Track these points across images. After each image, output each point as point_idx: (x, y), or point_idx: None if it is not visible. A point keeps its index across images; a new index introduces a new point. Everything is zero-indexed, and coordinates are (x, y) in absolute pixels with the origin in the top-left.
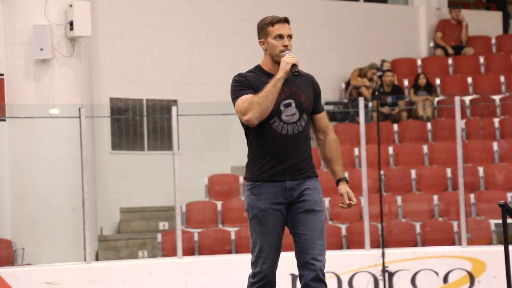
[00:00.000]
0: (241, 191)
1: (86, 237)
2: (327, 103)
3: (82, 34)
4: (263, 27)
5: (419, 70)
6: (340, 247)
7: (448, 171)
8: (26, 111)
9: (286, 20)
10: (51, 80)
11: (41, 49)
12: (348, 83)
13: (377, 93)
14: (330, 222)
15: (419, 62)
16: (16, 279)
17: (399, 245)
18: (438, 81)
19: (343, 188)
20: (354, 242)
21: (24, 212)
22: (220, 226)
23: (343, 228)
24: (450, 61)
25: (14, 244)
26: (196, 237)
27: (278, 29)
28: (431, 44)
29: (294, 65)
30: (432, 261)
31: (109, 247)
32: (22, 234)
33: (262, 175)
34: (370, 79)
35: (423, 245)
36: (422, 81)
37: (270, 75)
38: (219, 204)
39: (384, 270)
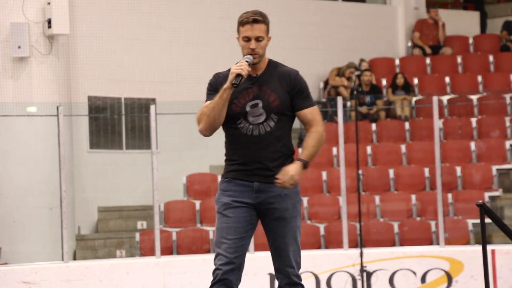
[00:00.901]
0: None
1: (64, 236)
2: None
3: (60, 32)
4: (237, 25)
5: (397, 70)
6: (318, 247)
7: (426, 170)
8: (3, 109)
9: (256, 21)
10: (29, 78)
11: (19, 47)
12: (326, 83)
13: (355, 92)
14: (308, 222)
15: (397, 62)
16: None
17: (377, 245)
18: (416, 81)
19: (290, 166)
20: (332, 241)
21: (1, 210)
22: (199, 225)
23: (321, 227)
24: (428, 60)
25: None
26: (174, 237)
27: (246, 30)
28: (409, 44)
29: (238, 75)
30: (410, 260)
31: (87, 247)
32: None
33: (233, 173)
34: (348, 78)
35: (401, 244)
36: (400, 80)
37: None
38: (197, 203)
39: (362, 270)
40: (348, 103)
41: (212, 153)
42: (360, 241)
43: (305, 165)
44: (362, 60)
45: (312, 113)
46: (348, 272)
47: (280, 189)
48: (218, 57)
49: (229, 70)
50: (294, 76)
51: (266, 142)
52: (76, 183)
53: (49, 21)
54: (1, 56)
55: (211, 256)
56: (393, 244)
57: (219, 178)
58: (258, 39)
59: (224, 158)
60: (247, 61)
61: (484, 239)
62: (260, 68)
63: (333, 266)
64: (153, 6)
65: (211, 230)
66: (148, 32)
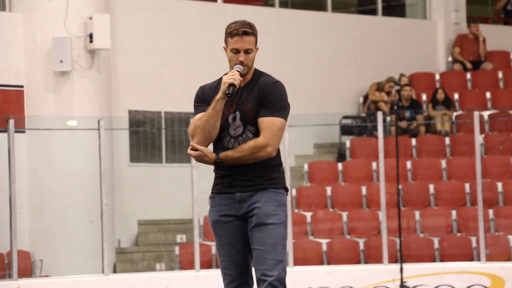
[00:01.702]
0: None
1: (104, 249)
2: (345, 117)
3: (101, 47)
4: (225, 35)
5: (438, 85)
6: (357, 262)
7: (467, 186)
8: (45, 123)
9: (245, 33)
10: (70, 92)
11: (61, 61)
12: (366, 97)
13: (395, 107)
14: (347, 236)
15: (437, 77)
16: None
17: (417, 260)
18: (456, 96)
19: (209, 150)
20: (371, 256)
21: (42, 223)
22: None
23: (361, 242)
24: (468, 76)
25: (33, 255)
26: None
27: (235, 42)
28: (449, 59)
29: (231, 85)
30: (450, 276)
31: (127, 260)
32: (40, 246)
33: (217, 187)
34: (388, 93)
35: (441, 260)
36: (440, 95)
37: None
38: None
39: (402, 285)
40: (388, 118)
41: None
42: (400, 256)
43: (218, 162)
44: (402, 75)
45: (266, 122)
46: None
47: (261, 195)
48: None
49: (215, 81)
50: (267, 86)
51: None
52: (116, 197)
53: (90, 36)
54: (44, 70)
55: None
56: (433, 259)
57: None
58: (247, 52)
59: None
60: (238, 71)
61: None
62: (245, 79)
63: (373, 281)
64: (194, 21)
65: None
66: (189, 47)
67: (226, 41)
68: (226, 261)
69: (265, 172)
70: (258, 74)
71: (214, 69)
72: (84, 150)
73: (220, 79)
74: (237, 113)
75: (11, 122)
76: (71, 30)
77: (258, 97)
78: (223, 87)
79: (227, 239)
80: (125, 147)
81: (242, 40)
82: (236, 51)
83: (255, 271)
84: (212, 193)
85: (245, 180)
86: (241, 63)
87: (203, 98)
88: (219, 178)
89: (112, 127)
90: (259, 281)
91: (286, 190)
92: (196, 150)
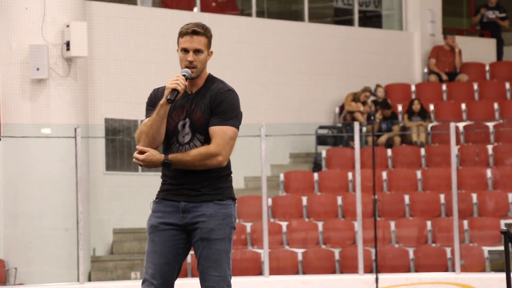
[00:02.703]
0: None
1: (80, 257)
2: (321, 127)
3: (78, 55)
4: (178, 36)
5: (413, 96)
6: (333, 272)
7: (441, 197)
8: (21, 131)
9: (195, 32)
10: (46, 100)
11: (37, 69)
12: (342, 108)
13: (372, 118)
14: (323, 246)
15: (413, 88)
16: None
17: (392, 271)
18: (432, 107)
19: (156, 151)
20: (347, 266)
21: (17, 231)
22: None
23: (336, 252)
24: (444, 87)
25: (7, 263)
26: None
27: (184, 41)
28: (425, 70)
29: (173, 91)
30: (425, 287)
31: (102, 268)
32: (15, 254)
33: (162, 193)
34: (364, 102)
35: (416, 270)
36: (416, 106)
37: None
38: None
39: None
40: (364, 129)
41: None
42: (375, 266)
43: (165, 163)
44: (378, 86)
45: (217, 132)
46: None
47: (206, 208)
48: (233, 80)
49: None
50: (219, 94)
51: None
52: (92, 205)
53: (67, 44)
54: (20, 77)
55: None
56: (408, 270)
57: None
58: (196, 52)
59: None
60: (184, 75)
61: (508, 266)
62: (197, 84)
63: None
64: (170, 29)
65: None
66: (165, 55)
67: (178, 43)
68: (154, 269)
69: (212, 182)
70: (211, 80)
71: None
72: (60, 158)
73: None
74: (187, 120)
75: None
76: (48, 38)
77: (209, 105)
78: (166, 92)
79: (160, 247)
80: (101, 155)
81: (191, 39)
82: (185, 51)
83: (201, 285)
84: (156, 198)
85: (191, 189)
86: (190, 63)
87: (155, 102)
88: (166, 185)
89: (89, 135)
90: None
91: (234, 199)
92: (143, 152)
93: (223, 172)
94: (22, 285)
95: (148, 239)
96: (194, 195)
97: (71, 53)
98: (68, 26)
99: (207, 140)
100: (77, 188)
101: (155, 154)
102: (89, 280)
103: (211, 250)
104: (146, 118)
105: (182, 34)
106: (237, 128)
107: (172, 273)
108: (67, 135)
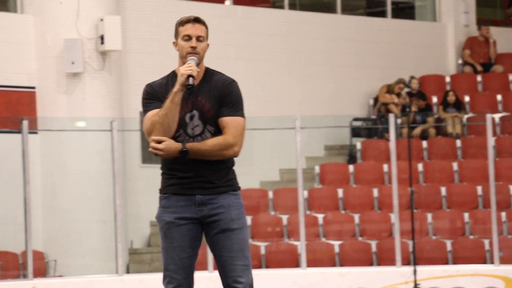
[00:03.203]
0: (270, 206)
1: (118, 250)
2: (356, 119)
3: (112, 48)
4: (176, 27)
5: (448, 87)
6: (370, 264)
7: (478, 188)
8: (57, 124)
9: (197, 20)
10: (82, 94)
11: (72, 63)
12: (376, 99)
13: (407, 109)
14: (359, 238)
15: (447, 79)
16: None
17: (429, 263)
18: (467, 98)
19: (173, 141)
20: (383, 258)
21: (56, 224)
22: (250, 241)
23: (373, 244)
24: (479, 78)
25: (46, 256)
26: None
27: (186, 29)
28: (460, 61)
29: (189, 76)
30: (463, 279)
31: (139, 260)
32: (54, 246)
33: (172, 187)
34: (398, 94)
35: (454, 263)
36: (451, 98)
37: None
38: (248, 218)
39: None
40: (399, 120)
41: (262, 169)
42: (413, 259)
43: (183, 152)
44: (412, 77)
45: (231, 122)
46: None
47: (223, 200)
48: (267, 73)
49: (164, 78)
50: (226, 84)
51: None
52: (129, 198)
53: (102, 38)
54: (55, 72)
55: (263, 271)
56: (446, 262)
57: (270, 194)
58: (199, 39)
59: (274, 174)
60: (193, 61)
61: None
62: (197, 76)
63: (386, 283)
64: None
65: (262, 246)
66: None
67: (176, 34)
68: (176, 264)
69: (224, 173)
70: (210, 72)
71: (223, 71)
72: (96, 151)
73: (168, 76)
74: (195, 111)
75: (25, 123)
76: (82, 32)
77: (218, 96)
78: (181, 78)
79: (179, 241)
80: (137, 148)
81: (194, 26)
82: (188, 38)
83: (224, 277)
84: (166, 192)
85: (206, 181)
86: (193, 49)
87: (154, 95)
88: (175, 178)
89: (124, 128)
90: (228, 287)
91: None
92: (160, 142)
93: (230, 163)
94: (62, 277)
95: (164, 236)
96: (210, 187)
97: (105, 47)
98: (102, 20)
99: (217, 131)
100: (114, 181)
101: (173, 143)
102: (128, 272)
103: (234, 240)
104: (149, 111)
105: (183, 22)
106: (245, 119)
107: (193, 266)
108: (103, 128)
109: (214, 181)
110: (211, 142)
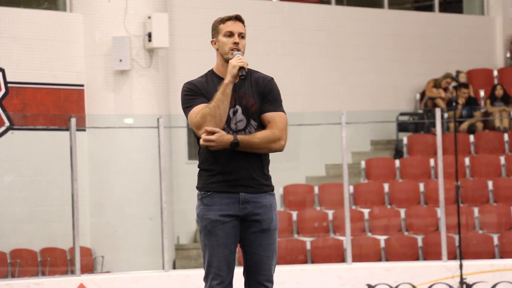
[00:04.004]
0: (316, 201)
1: (165, 245)
2: (402, 114)
3: (160, 46)
4: (215, 26)
5: (496, 81)
6: (416, 258)
7: None
8: (105, 122)
9: (238, 18)
10: (129, 91)
11: (120, 60)
12: (423, 94)
13: (454, 104)
14: (405, 233)
15: (495, 73)
16: (97, 286)
17: (476, 257)
18: None
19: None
20: (430, 253)
21: (103, 220)
22: (296, 235)
23: (419, 239)
24: None
25: (94, 252)
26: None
27: (228, 26)
28: (508, 55)
29: (241, 68)
30: (510, 273)
31: (186, 256)
32: (102, 242)
33: (214, 185)
34: (445, 89)
35: (501, 257)
36: (499, 92)
37: (222, 79)
38: (294, 214)
39: (462, 282)
40: (446, 115)
41: (308, 164)
42: (459, 253)
43: (234, 143)
44: (459, 72)
45: (276, 117)
46: (447, 284)
47: (265, 200)
48: (314, 69)
49: (202, 77)
50: (267, 81)
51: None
52: (175, 194)
53: (149, 35)
54: (103, 69)
55: (309, 266)
56: (493, 256)
57: (316, 189)
58: (241, 36)
59: (320, 170)
60: (241, 54)
61: None
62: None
63: (432, 277)
64: (250, 19)
65: (308, 241)
66: (246, 45)
67: (216, 31)
68: (220, 261)
69: (265, 170)
70: (248, 69)
71: (270, 67)
72: (143, 148)
73: (207, 74)
74: (238, 107)
75: (73, 120)
76: (130, 30)
77: (261, 92)
78: (233, 70)
79: (224, 239)
80: (183, 145)
81: (235, 24)
82: (230, 34)
83: (254, 274)
84: (208, 190)
85: (250, 179)
86: (236, 45)
87: (198, 91)
88: (217, 175)
89: (171, 125)
90: (257, 285)
91: None
92: (213, 133)
93: (268, 160)
94: (109, 272)
95: (208, 233)
96: (254, 185)
97: (153, 44)
98: (149, 17)
99: (259, 126)
100: (160, 177)
101: (225, 134)
102: (174, 268)
103: (271, 240)
104: (193, 106)
105: (223, 20)
106: None
107: (234, 262)
108: (150, 125)
109: (258, 179)
110: (261, 135)
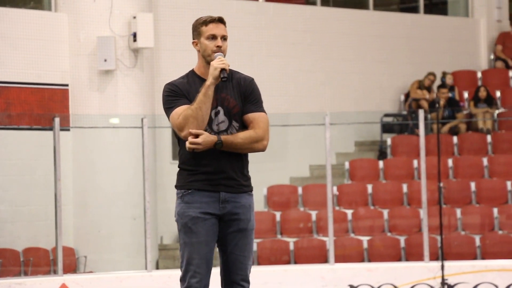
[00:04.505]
0: (299, 202)
1: (148, 245)
2: (386, 115)
3: (145, 46)
4: (197, 27)
5: (479, 83)
6: (398, 259)
7: (508, 183)
8: (89, 121)
9: (220, 20)
10: (114, 91)
11: (105, 60)
12: (407, 95)
13: (436, 105)
14: (388, 234)
15: (479, 75)
16: (79, 286)
17: (458, 258)
18: (498, 94)
19: (209, 134)
20: (412, 254)
21: (87, 220)
22: (279, 236)
23: (402, 240)
24: (511, 73)
25: (77, 252)
26: (254, 247)
27: (211, 29)
28: (492, 57)
29: (223, 70)
30: (492, 274)
31: (169, 256)
32: (85, 242)
33: (195, 183)
34: (428, 88)
35: (483, 258)
36: (482, 93)
37: (203, 80)
38: (278, 214)
39: (443, 283)
40: (429, 116)
41: (292, 164)
42: (441, 254)
43: (218, 143)
44: (445, 73)
45: (258, 118)
46: (429, 285)
47: (244, 200)
48: (299, 69)
49: (183, 77)
50: (248, 82)
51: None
52: (159, 194)
53: (134, 35)
54: (88, 69)
55: (291, 267)
56: (474, 257)
57: (300, 190)
58: (223, 38)
59: (304, 171)
60: (222, 56)
61: None
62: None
63: (414, 278)
64: (235, 20)
65: (291, 241)
66: (230, 45)
67: (198, 33)
68: (201, 259)
69: (245, 171)
70: (230, 70)
71: (255, 67)
72: (127, 148)
73: (188, 75)
74: (219, 108)
75: (57, 120)
76: (115, 29)
77: (242, 93)
78: (215, 72)
79: (205, 236)
80: (168, 145)
81: (218, 26)
82: (213, 37)
83: (231, 274)
84: (189, 188)
85: (230, 179)
86: (219, 48)
87: (180, 92)
88: (199, 174)
89: (155, 125)
90: (234, 285)
91: None
92: (197, 136)
93: (247, 161)
94: (92, 272)
95: (189, 231)
96: (234, 185)
97: (137, 44)
98: (134, 17)
99: (241, 127)
100: (144, 177)
101: (209, 135)
102: (157, 268)
103: (247, 240)
104: (175, 107)
105: (206, 22)
106: None
107: (212, 261)
108: (134, 125)
109: (238, 179)
110: (243, 135)
